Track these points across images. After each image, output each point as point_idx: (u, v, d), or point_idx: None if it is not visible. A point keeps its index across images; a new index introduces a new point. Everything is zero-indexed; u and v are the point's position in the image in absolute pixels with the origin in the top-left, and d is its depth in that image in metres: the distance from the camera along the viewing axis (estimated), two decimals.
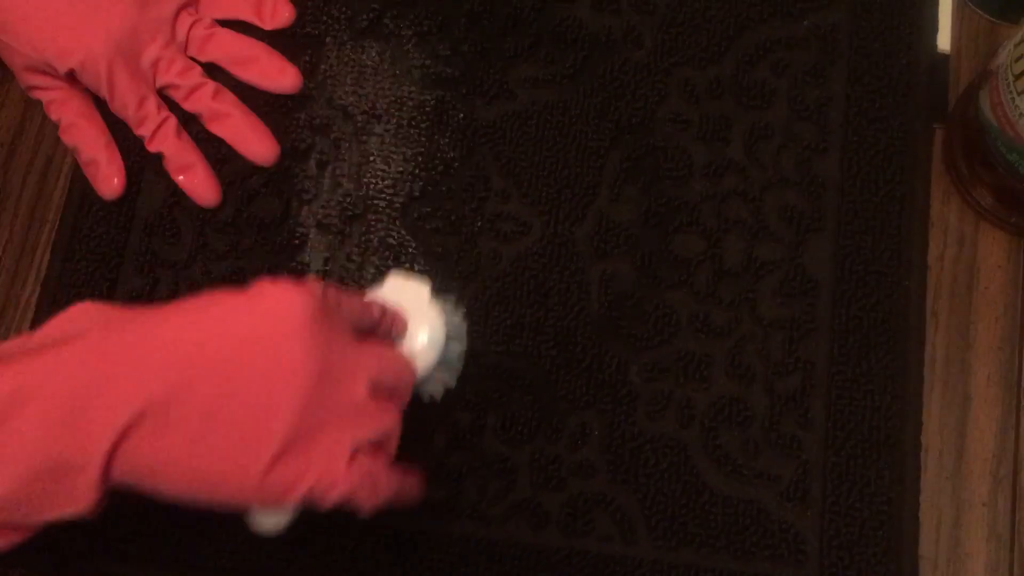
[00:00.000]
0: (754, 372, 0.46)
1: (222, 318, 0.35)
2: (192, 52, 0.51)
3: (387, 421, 0.37)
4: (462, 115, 0.50)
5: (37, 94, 0.50)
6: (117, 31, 0.47)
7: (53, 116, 0.50)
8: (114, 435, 0.32)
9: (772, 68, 0.50)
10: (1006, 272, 0.47)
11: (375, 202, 0.49)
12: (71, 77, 0.48)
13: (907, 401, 0.45)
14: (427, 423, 0.46)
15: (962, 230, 0.48)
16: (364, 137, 0.50)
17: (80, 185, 0.51)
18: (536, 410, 0.46)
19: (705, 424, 0.46)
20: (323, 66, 0.51)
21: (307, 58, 0.51)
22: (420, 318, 0.42)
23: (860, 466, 0.44)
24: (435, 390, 0.44)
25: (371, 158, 0.50)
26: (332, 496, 0.35)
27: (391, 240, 0.49)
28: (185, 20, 0.50)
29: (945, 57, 0.50)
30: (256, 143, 0.50)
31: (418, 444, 0.46)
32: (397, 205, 0.49)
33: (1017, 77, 0.41)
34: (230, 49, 0.51)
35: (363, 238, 0.49)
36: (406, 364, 0.40)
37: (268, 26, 0.51)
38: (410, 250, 0.49)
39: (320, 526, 0.45)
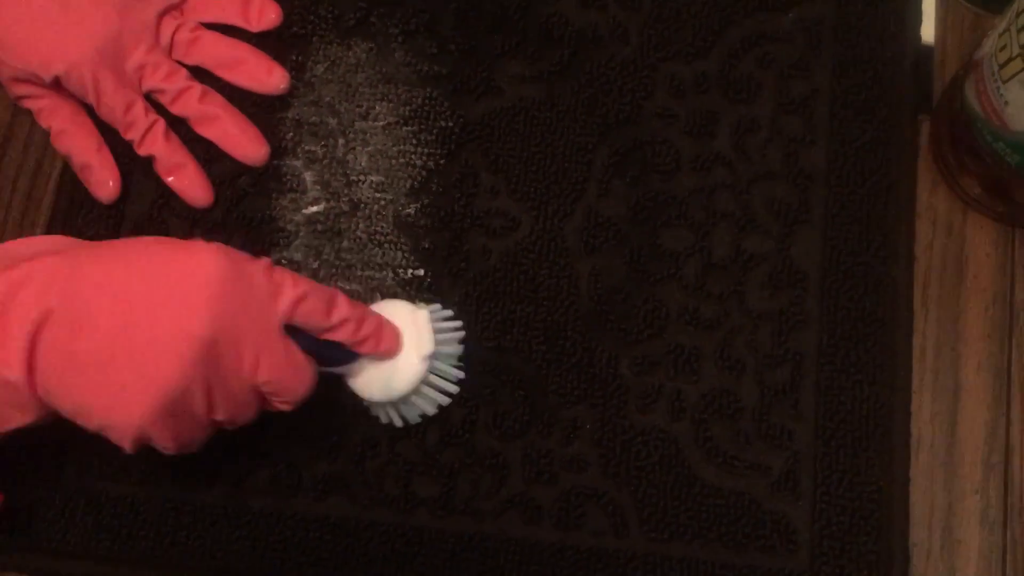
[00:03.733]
0: (744, 364, 0.46)
1: (141, 261, 0.37)
2: (178, 56, 0.51)
3: (247, 415, 0.40)
4: (450, 112, 0.50)
5: (26, 103, 0.50)
6: (100, 37, 0.47)
7: (44, 124, 0.50)
8: (27, 329, 0.35)
9: (758, 62, 0.50)
10: (994, 260, 0.48)
11: (363, 199, 0.50)
12: (58, 85, 0.48)
13: (896, 391, 0.45)
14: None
15: (950, 220, 0.48)
16: (352, 135, 0.51)
17: (69, 188, 0.51)
18: (527, 405, 0.46)
19: (696, 417, 0.46)
20: (310, 65, 0.52)
21: (294, 58, 0.52)
22: (413, 345, 0.43)
23: (850, 456, 0.44)
24: (410, 416, 0.45)
25: (359, 156, 0.50)
26: (173, 453, 0.39)
27: (380, 237, 0.49)
28: (169, 24, 0.50)
29: (930, 49, 0.50)
30: (246, 144, 0.50)
31: (410, 441, 0.46)
32: (385, 202, 0.49)
33: (1002, 66, 0.41)
34: (216, 52, 0.51)
35: (352, 235, 0.49)
36: (304, 381, 0.40)
37: (254, 28, 0.52)
38: (400, 246, 0.49)
39: (312, 522, 0.45)
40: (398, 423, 0.46)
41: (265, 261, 0.39)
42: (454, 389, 0.45)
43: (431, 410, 0.46)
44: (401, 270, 0.48)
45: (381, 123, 0.51)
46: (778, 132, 0.49)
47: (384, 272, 0.49)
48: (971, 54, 0.45)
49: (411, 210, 0.49)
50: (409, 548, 0.45)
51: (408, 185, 0.50)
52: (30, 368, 0.35)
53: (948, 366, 0.46)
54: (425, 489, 0.46)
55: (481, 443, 0.46)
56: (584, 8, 0.51)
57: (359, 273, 0.49)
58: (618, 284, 0.48)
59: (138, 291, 0.36)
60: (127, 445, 0.37)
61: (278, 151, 0.50)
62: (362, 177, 0.50)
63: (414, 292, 0.48)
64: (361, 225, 0.49)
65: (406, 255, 0.49)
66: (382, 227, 0.49)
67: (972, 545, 0.44)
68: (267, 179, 0.50)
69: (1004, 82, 0.41)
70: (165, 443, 0.38)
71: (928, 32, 0.50)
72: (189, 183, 0.50)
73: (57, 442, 0.47)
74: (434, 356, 0.44)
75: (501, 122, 0.50)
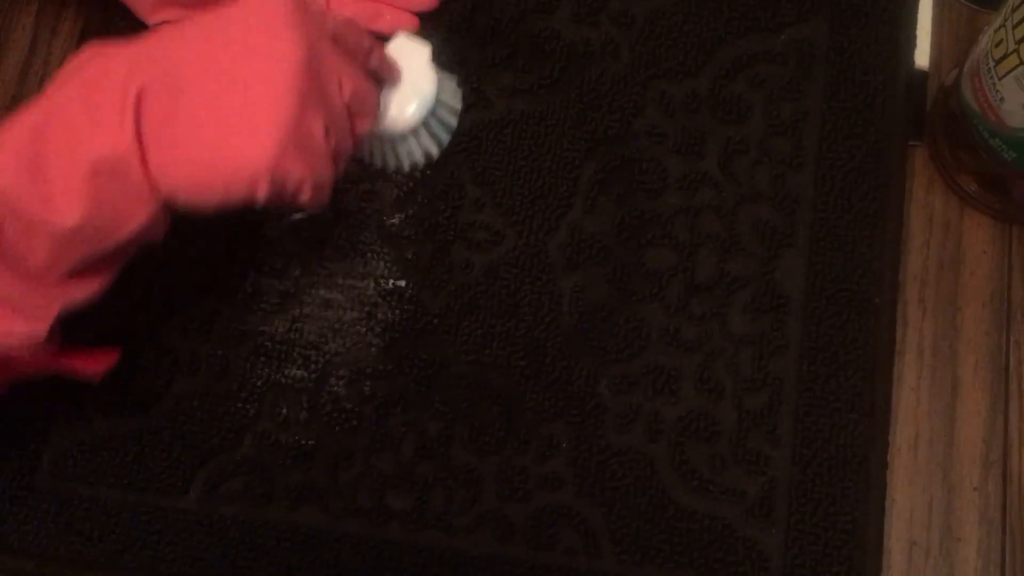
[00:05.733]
0: (723, 387, 0.46)
1: (210, 21, 0.37)
2: None
3: (348, 141, 0.40)
4: None
5: None
6: None
7: None
8: (127, 109, 0.35)
9: (749, 82, 0.49)
10: (991, 257, 0.47)
11: (348, 208, 0.49)
12: None
13: (874, 420, 0.45)
14: (395, 432, 0.46)
15: (947, 217, 0.48)
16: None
17: None
18: (504, 421, 0.46)
19: (673, 439, 0.45)
20: None
21: None
22: (414, 78, 0.45)
23: (826, 484, 0.44)
24: (415, 156, 0.47)
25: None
26: (311, 196, 0.38)
27: (363, 246, 0.49)
28: None
29: (923, 74, 0.50)
30: None
31: (385, 453, 0.46)
32: (370, 212, 0.49)
33: (997, 62, 0.41)
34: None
35: (336, 244, 0.49)
36: (374, 91, 0.42)
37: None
38: (382, 256, 0.49)
39: (284, 531, 0.45)
40: (432, 149, 0.47)
41: None
42: (452, 121, 0.48)
43: (434, 152, 0.47)
44: (383, 280, 0.48)
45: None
46: (766, 154, 0.48)
47: (366, 281, 0.48)
48: (967, 51, 0.45)
49: (395, 220, 0.49)
50: (380, 561, 0.45)
51: (393, 195, 0.49)
52: (139, 141, 0.35)
53: (946, 363, 0.46)
54: (398, 502, 0.45)
55: (456, 457, 0.46)
56: (576, 23, 0.51)
57: (340, 282, 0.48)
58: (600, 302, 0.47)
59: (222, 41, 0.36)
60: (264, 186, 0.36)
61: None
62: (348, 186, 0.50)
63: (394, 302, 0.48)
64: (345, 234, 0.49)
65: (388, 265, 0.48)
66: (366, 236, 0.49)
67: (971, 543, 0.44)
68: None
69: (1000, 78, 0.41)
70: (302, 175, 0.37)
71: (922, 56, 0.50)
72: (394, 17, 0.50)
73: (31, 443, 0.47)
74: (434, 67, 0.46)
75: (489, 134, 0.50)
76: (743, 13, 0.50)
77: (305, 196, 0.38)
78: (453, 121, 0.48)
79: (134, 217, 0.36)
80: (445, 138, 0.48)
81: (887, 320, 0.46)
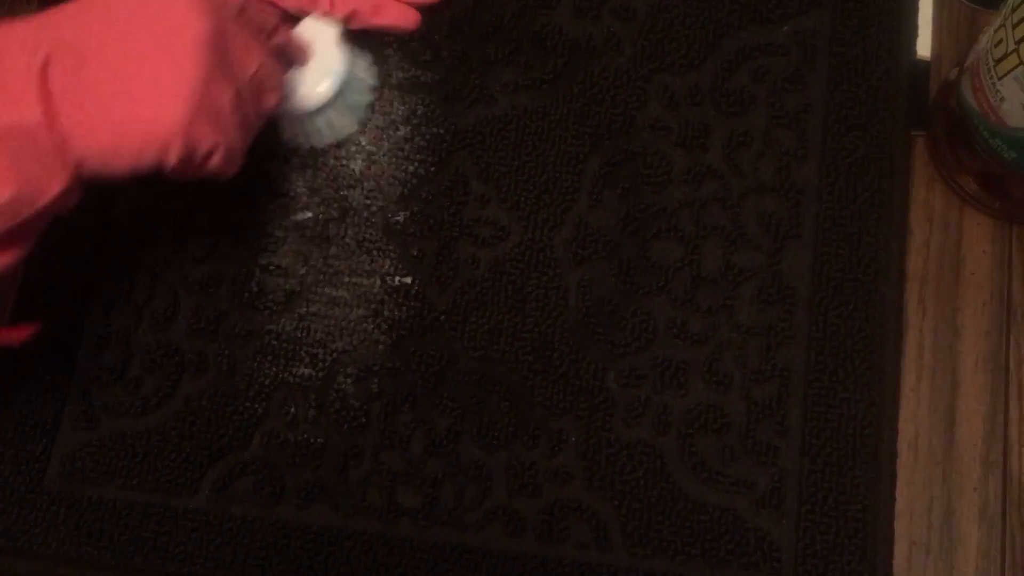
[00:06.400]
0: (731, 379, 0.46)
1: None
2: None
3: (253, 114, 0.41)
4: (442, 119, 0.50)
5: None
6: None
7: None
8: (31, 77, 0.35)
9: (751, 74, 0.49)
10: (992, 257, 0.47)
11: (353, 206, 0.49)
12: None
13: (883, 409, 0.45)
14: (403, 429, 0.46)
15: (947, 216, 0.48)
16: (343, 141, 0.50)
17: None
18: (513, 416, 0.46)
19: (682, 431, 0.45)
20: None
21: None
22: (324, 57, 0.47)
23: (836, 474, 0.44)
24: (330, 132, 0.49)
25: (350, 162, 0.50)
26: (219, 165, 0.40)
27: (369, 244, 0.49)
28: None
29: (925, 64, 0.50)
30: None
31: (394, 450, 0.46)
32: (375, 209, 0.49)
33: (997, 62, 0.41)
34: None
35: (341, 242, 0.49)
36: (279, 69, 0.43)
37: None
38: (388, 254, 0.49)
39: (294, 530, 0.45)
40: (348, 125, 0.49)
41: None
42: (365, 99, 0.50)
43: (352, 129, 0.49)
44: (389, 277, 0.48)
45: (372, 128, 0.50)
46: (770, 146, 0.48)
47: (372, 279, 0.48)
48: (967, 51, 0.45)
49: (400, 217, 0.49)
50: (391, 558, 0.45)
51: (398, 192, 0.49)
52: (48, 109, 0.35)
53: (946, 363, 0.46)
54: (408, 499, 0.45)
55: (465, 453, 0.46)
56: (578, 18, 0.51)
57: (346, 280, 0.48)
58: (607, 296, 0.47)
59: (127, 11, 0.37)
60: (176, 150, 0.37)
61: (269, 156, 0.50)
62: (353, 183, 0.50)
63: (401, 299, 0.48)
64: (350, 231, 0.49)
65: (394, 262, 0.48)
66: (371, 234, 0.49)
67: (971, 542, 0.44)
68: (256, 183, 0.50)
69: (999, 78, 0.41)
70: (213, 141, 0.38)
71: (924, 47, 0.50)
72: (396, 12, 0.51)
73: (39, 445, 0.47)
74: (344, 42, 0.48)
75: (493, 130, 0.50)
76: (745, 5, 0.50)
77: (216, 161, 0.40)
78: (368, 97, 0.50)
79: (50, 187, 0.36)
80: (361, 114, 0.50)
81: (894, 309, 0.46)
